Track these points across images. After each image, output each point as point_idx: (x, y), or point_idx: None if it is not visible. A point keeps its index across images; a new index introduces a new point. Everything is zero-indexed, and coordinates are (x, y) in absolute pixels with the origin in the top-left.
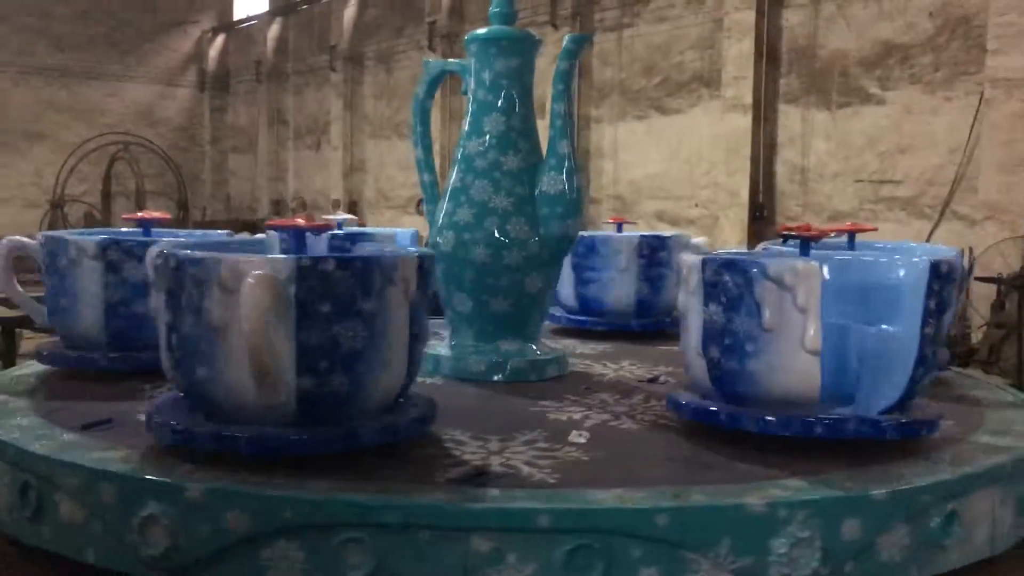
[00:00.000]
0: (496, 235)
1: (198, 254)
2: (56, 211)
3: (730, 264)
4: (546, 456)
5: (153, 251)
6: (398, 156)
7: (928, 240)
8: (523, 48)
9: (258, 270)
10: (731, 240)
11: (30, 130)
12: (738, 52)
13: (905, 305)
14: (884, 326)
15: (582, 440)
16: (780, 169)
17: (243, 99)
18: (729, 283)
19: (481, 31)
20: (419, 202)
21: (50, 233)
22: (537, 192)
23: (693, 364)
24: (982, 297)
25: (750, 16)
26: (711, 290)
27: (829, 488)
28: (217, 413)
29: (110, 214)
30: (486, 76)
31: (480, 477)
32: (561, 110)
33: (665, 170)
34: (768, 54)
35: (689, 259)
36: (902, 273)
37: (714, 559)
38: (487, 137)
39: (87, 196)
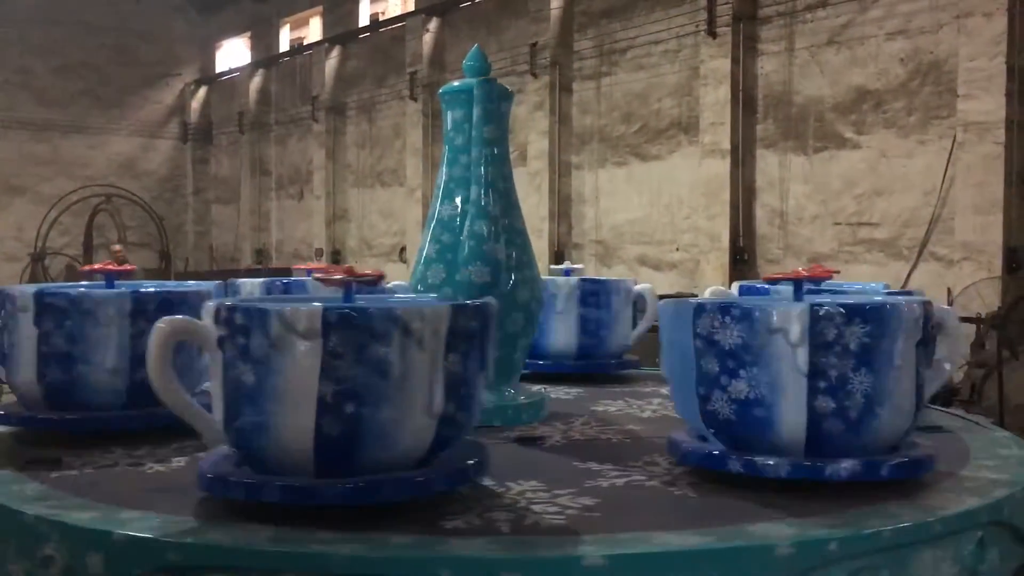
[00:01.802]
0: (418, 282)
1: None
2: (37, 264)
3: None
4: None
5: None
6: (381, 204)
7: (907, 281)
8: (462, 100)
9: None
10: (714, 284)
11: (11, 184)
12: (715, 99)
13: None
14: None
15: None
16: (759, 213)
17: (226, 150)
18: None
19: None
20: (402, 250)
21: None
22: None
23: None
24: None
25: (725, 64)
26: None
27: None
28: None
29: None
30: (444, 130)
31: None
32: (477, 155)
33: (646, 215)
34: (744, 100)
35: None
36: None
37: None
38: (437, 189)
39: (68, 248)
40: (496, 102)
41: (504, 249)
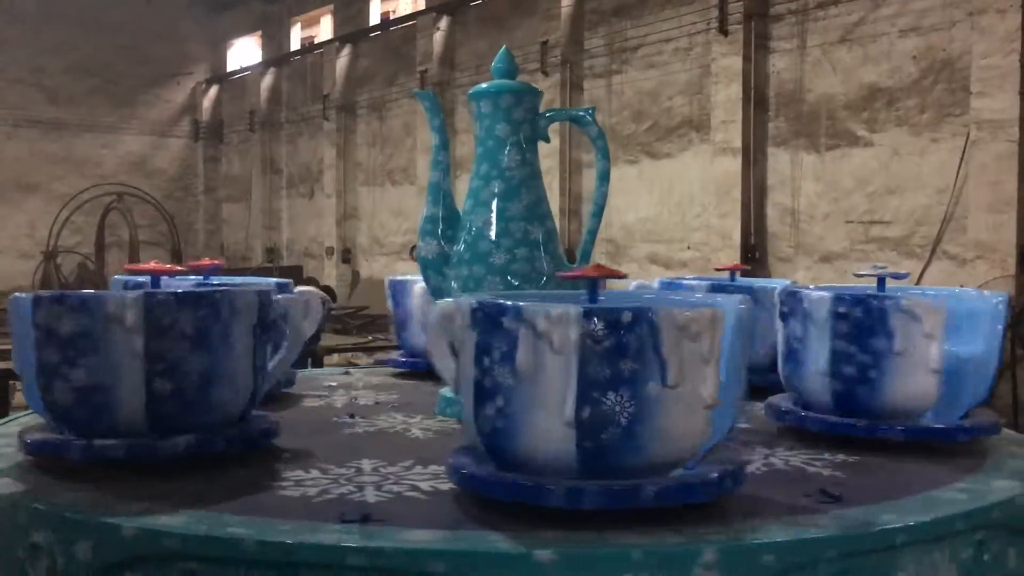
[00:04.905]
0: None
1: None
2: (50, 262)
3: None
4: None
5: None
6: (391, 203)
7: (919, 279)
8: (472, 103)
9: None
10: None
11: (24, 182)
12: (726, 97)
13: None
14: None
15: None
16: (771, 211)
17: (237, 148)
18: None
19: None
20: (412, 248)
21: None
22: None
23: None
24: None
25: (737, 62)
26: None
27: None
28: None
29: (104, 265)
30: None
31: None
32: (432, 159)
33: (657, 213)
34: (756, 98)
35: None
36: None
37: None
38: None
39: (81, 247)
40: (434, 111)
41: (438, 247)
